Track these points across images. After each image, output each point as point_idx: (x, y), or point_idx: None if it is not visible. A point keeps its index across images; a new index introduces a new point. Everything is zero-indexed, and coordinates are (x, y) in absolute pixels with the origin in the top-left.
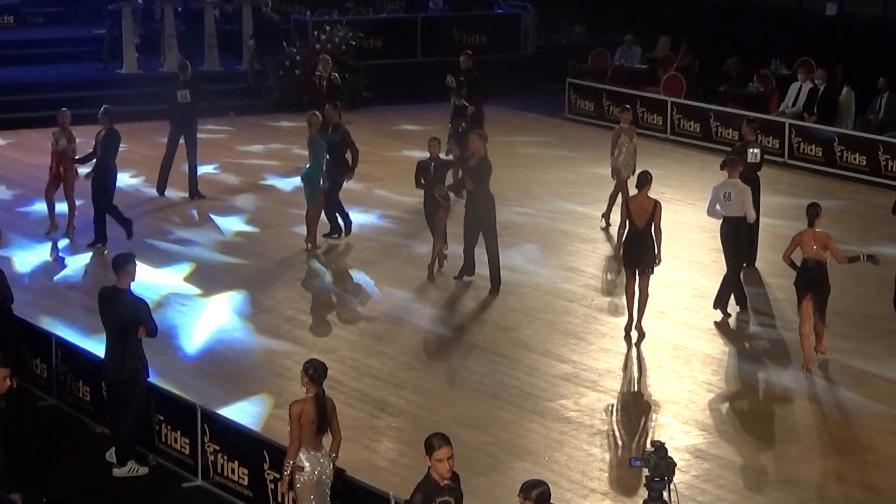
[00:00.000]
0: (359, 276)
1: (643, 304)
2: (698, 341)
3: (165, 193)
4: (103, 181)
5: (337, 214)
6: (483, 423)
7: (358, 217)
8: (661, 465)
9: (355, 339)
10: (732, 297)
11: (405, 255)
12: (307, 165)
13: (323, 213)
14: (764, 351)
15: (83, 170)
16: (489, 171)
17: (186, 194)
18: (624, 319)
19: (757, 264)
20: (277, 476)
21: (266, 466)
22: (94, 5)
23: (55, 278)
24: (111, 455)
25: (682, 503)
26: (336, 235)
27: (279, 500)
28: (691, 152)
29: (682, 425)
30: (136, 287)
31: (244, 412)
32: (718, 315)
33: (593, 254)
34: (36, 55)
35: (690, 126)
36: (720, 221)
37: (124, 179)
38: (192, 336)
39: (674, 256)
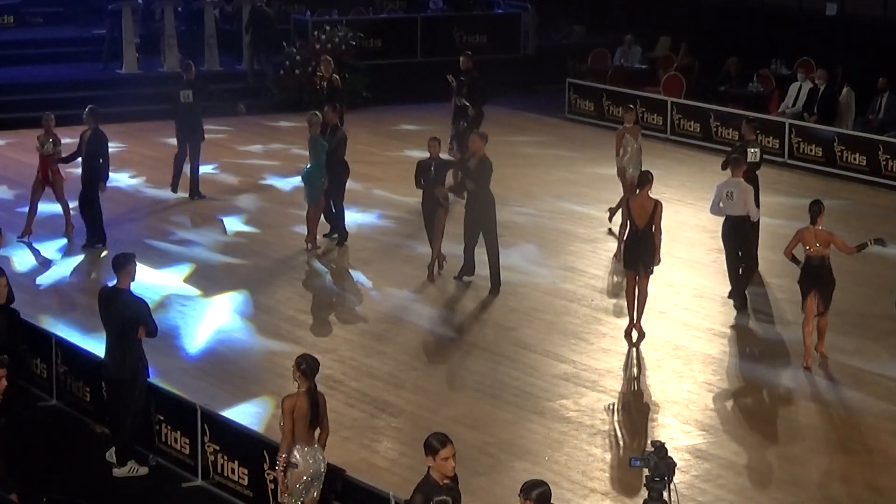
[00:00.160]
0: (359, 276)
1: (642, 304)
2: (698, 341)
3: (179, 192)
4: (91, 183)
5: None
6: (483, 423)
7: (358, 217)
8: (661, 465)
9: (355, 339)
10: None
11: (405, 255)
12: (307, 165)
13: (323, 215)
14: (764, 351)
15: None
16: (490, 171)
17: (187, 194)
18: (624, 320)
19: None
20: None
21: (266, 466)
22: (94, 5)
23: (55, 278)
24: (111, 455)
25: (682, 503)
26: (335, 235)
27: (279, 500)
28: (691, 152)
29: (682, 425)
30: (136, 287)
31: (244, 412)
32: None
33: (593, 254)
34: (36, 55)
35: (690, 126)
36: (722, 220)
37: (124, 179)
38: (192, 336)
39: (674, 256)
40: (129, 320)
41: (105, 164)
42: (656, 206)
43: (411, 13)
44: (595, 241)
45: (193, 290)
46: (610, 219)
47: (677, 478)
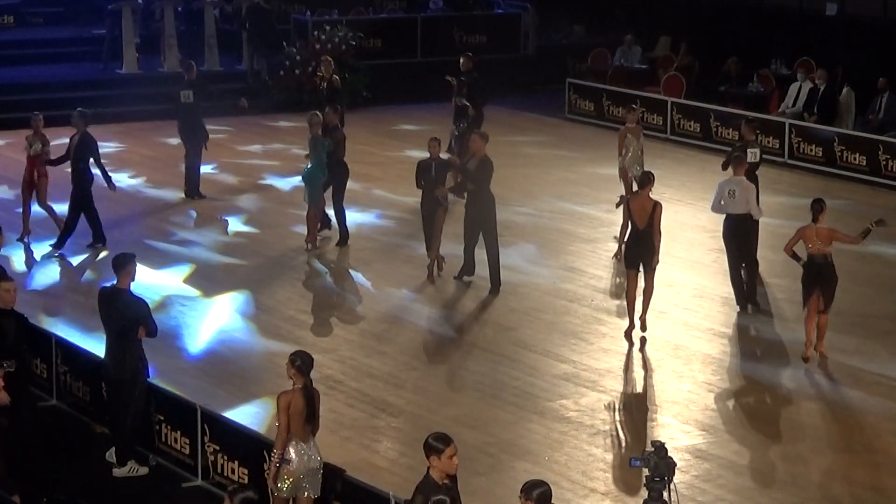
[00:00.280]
0: (358, 276)
1: (648, 299)
2: (698, 341)
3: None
4: (80, 186)
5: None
6: (483, 423)
7: (357, 217)
8: (661, 465)
9: (355, 339)
10: (733, 296)
11: (405, 255)
12: (308, 165)
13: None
14: (764, 351)
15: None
16: (490, 171)
17: (204, 196)
18: (624, 320)
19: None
20: None
21: (266, 466)
22: (94, 5)
23: (55, 278)
24: (111, 455)
25: (682, 503)
26: (328, 230)
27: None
28: (691, 152)
29: (682, 425)
30: (136, 287)
31: (244, 412)
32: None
33: (593, 254)
34: (36, 55)
35: (690, 126)
36: (722, 219)
37: (124, 179)
38: (192, 336)
39: (674, 256)
40: (129, 320)
41: (100, 167)
42: (655, 207)
43: (411, 13)
44: (595, 241)
45: (193, 291)
46: (617, 206)
47: (677, 478)
